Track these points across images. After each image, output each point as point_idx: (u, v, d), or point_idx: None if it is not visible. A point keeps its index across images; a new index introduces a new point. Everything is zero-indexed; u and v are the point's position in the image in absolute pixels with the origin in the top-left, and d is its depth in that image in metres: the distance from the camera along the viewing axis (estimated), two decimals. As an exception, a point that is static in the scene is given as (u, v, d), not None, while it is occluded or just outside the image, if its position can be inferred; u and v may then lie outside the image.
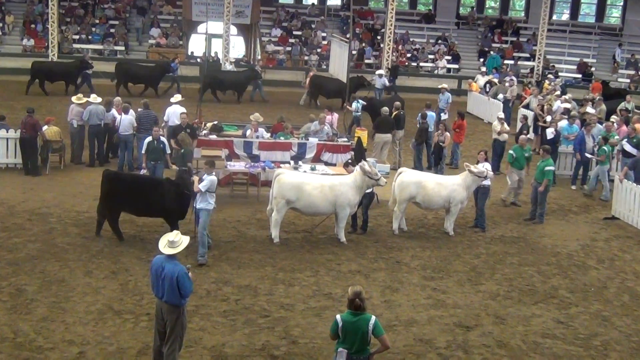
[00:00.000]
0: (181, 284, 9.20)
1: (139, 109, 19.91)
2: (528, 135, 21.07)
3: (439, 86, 27.80)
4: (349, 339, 8.29)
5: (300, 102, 30.78)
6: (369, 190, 15.43)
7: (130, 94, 29.33)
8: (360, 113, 24.16)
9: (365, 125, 22.19)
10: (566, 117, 22.96)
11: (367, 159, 17.63)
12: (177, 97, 21.01)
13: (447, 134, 20.25)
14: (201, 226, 13.37)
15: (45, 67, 30.40)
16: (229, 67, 33.07)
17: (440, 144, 20.00)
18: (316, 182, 14.94)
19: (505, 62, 37.92)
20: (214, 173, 13.59)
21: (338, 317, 8.34)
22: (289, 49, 38.22)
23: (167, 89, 30.67)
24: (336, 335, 8.38)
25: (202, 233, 13.37)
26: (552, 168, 17.44)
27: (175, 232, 9.66)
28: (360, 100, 24.51)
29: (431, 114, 22.40)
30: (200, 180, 13.39)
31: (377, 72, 32.02)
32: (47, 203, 16.52)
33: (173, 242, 9.35)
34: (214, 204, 13.56)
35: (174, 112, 20.08)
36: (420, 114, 21.87)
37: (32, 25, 36.38)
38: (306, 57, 37.75)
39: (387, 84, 31.09)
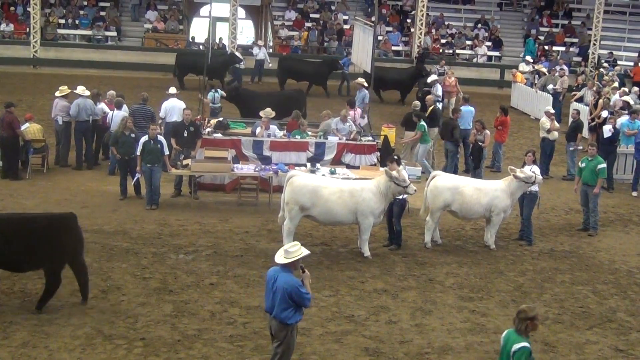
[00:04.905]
0: (297, 296, 9.56)
1: (133, 104, 20.00)
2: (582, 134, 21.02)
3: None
4: None
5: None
6: (400, 197, 15.37)
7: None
8: (219, 105, 23.69)
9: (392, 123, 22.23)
10: (626, 112, 22.86)
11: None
12: (173, 89, 21.08)
13: (487, 132, 20.19)
14: None
15: (187, 59, 31.47)
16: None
17: (480, 143, 19.93)
18: (334, 186, 14.99)
19: (555, 48, 37.75)
20: None
21: (526, 344, 8.30)
22: (305, 34, 38.25)
23: (338, 87, 31.44)
24: None
25: None
26: (605, 166, 17.35)
27: (294, 242, 9.97)
28: (219, 90, 24.18)
29: (469, 109, 22.34)
30: None
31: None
32: (28, 211, 16.58)
33: (288, 251, 9.68)
34: None
35: (173, 107, 20.15)
36: (452, 109, 21.84)
37: (12, 8, 36.71)
38: (325, 43, 37.78)
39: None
